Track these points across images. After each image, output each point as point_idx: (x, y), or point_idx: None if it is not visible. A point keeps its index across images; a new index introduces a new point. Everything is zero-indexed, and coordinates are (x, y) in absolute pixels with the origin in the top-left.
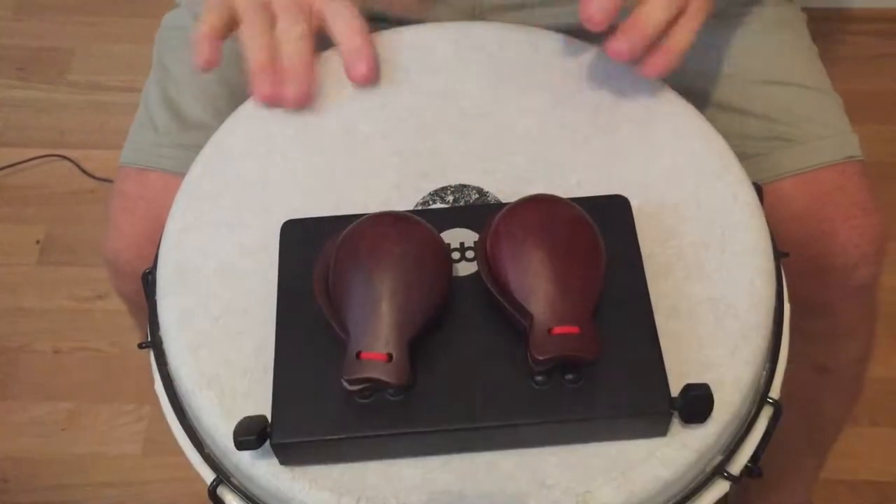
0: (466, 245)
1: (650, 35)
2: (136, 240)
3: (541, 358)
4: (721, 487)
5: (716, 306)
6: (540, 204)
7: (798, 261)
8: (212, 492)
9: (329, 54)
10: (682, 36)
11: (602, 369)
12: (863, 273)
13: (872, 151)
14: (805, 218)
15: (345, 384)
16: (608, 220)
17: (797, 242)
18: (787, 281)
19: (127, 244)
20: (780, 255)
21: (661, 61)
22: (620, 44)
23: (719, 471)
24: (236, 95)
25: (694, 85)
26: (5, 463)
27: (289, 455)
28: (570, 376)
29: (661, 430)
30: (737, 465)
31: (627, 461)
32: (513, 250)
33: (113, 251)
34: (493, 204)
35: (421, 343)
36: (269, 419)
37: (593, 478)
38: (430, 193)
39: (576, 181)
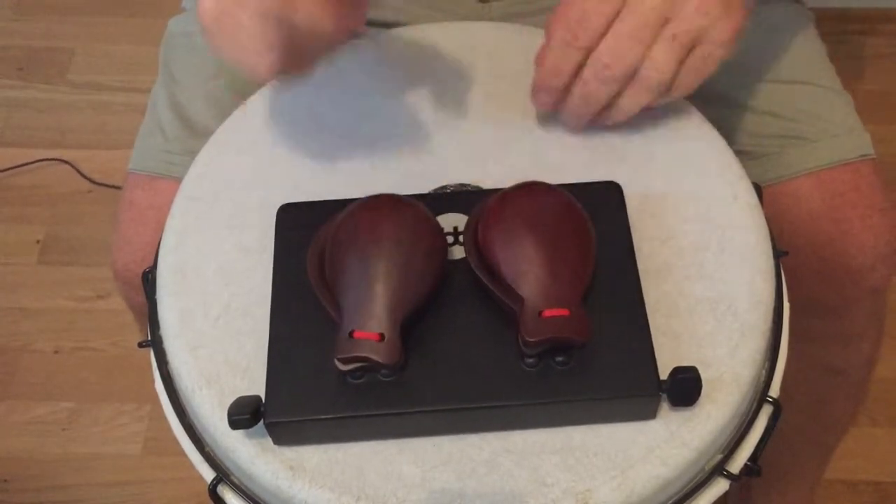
0: (460, 229)
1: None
2: (147, 251)
3: (531, 340)
4: (721, 486)
5: (715, 306)
6: (530, 190)
7: (813, 261)
8: (212, 490)
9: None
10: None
11: (592, 351)
12: (879, 274)
13: (875, 152)
14: (820, 218)
15: (337, 363)
16: (600, 205)
17: (812, 243)
18: (800, 281)
19: (137, 256)
20: (779, 255)
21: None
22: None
23: (719, 469)
24: (244, 101)
25: (705, 83)
26: (5, 463)
27: (282, 434)
28: (560, 358)
29: (650, 412)
30: (736, 464)
31: (627, 460)
32: (504, 235)
33: (123, 263)
34: (486, 190)
35: (414, 325)
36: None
37: (593, 476)
38: (429, 192)
39: (575, 181)
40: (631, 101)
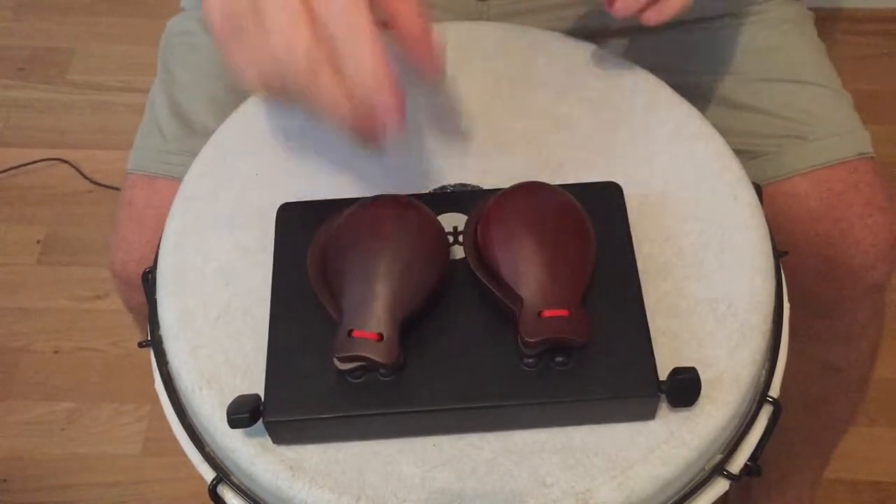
0: (460, 229)
1: None
2: (146, 250)
3: (531, 341)
4: (721, 486)
5: (715, 306)
6: (529, 190)
7: (812, 260)
8: (212, 490)
9: None
10: None
11: (591, 352)
12: (878, 273)
13: (874, 152)
14: (820, 217)
15: (336, 363)
16: (601, 206)
17: (812, 242)
18: (799, 280)
19: (136, 256)
20: (779, 255)
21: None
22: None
23: (719, 469)
24: (243, 101)
25: (704, 83)
26: (5, 463)
27: (281, 434)
28: (559, 359)
29: (649, 413)
30: (736, 464)
31: (627, 460)
32: (503, 235)
33: (121, 263)
34: (486, 190)
35: (413, 324)
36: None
37: (593, 477)
38: (429, 192)
39: (575, 181)
40: None
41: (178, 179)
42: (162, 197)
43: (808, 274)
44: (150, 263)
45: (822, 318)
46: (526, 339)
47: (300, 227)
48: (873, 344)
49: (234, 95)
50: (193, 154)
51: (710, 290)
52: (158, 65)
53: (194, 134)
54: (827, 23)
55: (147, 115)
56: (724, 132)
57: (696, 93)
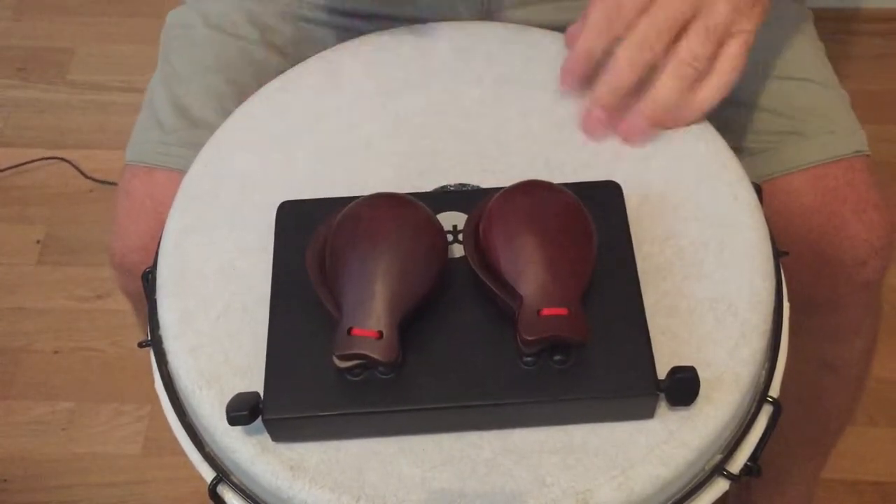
0: (459, 228)
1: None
2: (144, 240)
3: (529, 339)
4: (720, 486)
5: (715, 306)
6: (531, 188)
7: (807, 256)
8: (212, 490)
9: (327, 54)
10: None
11: (590, 351)
12: (871, 269)
13: (873, 151)
14: (814, 213)
15: (336, 361)
16: (600, 205)
17: (806, 238)
18: (794, 277)
19: (134, 245)
20: (779, 255)
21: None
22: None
23: (719, 469)
24: (243, 95)
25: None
26: (5, 463)
27: (280, 431)
28: (558, 357)
29: (647, 412)
30: (736, 464)
31: (627, 460)
32: (504, 233)
33: (120, 253)
34: (487, 188)
35: (413, 323)
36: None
37: (593, 477)
38: (429, 191)
39: (575, 181)
40: (664, 88)
41: (176, 171)
42: (160, 188)
43: (803, 271)
44: (149, 253)
45: (816, 316)
46: (525, 337)
47: (300, 226)
48: (868, 342)
49: (235, 88)
50: (193, 146)
51: (710, 289)
52: (159, 56)
53: (194, 126)
54: (827, 23)
55: (146, 106)
56: (721, 129)
57: None
